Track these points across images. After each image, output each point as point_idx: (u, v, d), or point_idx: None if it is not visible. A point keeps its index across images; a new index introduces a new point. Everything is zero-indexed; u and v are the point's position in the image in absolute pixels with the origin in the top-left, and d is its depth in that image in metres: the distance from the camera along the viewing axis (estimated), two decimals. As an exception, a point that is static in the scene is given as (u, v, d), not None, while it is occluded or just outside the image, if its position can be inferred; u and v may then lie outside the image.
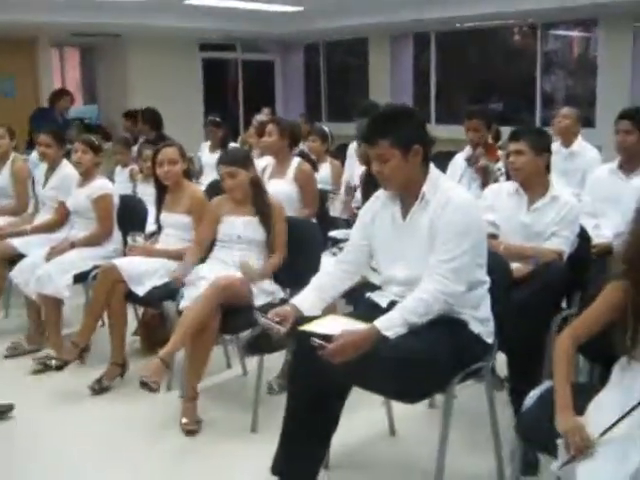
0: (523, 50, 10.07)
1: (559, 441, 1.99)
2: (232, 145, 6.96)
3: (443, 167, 4.59)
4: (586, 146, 5.34)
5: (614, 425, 1.91)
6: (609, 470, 1.85)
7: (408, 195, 2.64)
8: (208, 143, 7.03)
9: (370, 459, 3.09)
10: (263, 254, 3.64)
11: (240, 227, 3.62)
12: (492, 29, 9.74)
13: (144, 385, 3.17)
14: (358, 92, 10.62)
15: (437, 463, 2.55)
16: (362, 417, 3.26)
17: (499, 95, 10.10)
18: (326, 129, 6.13)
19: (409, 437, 3.25)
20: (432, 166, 2.66)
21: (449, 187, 2.63)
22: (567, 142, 5.35)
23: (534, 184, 3.42)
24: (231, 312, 3.33)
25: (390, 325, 2.43)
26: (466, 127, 4.92)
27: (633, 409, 1.93)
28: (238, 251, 3.61)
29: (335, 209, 5.25)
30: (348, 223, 4.60)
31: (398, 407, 3.15)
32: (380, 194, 2.76)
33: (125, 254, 4.09)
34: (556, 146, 5.39)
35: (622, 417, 1.93)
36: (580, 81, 9.71)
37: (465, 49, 10.51)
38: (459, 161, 4.73)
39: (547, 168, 3.44)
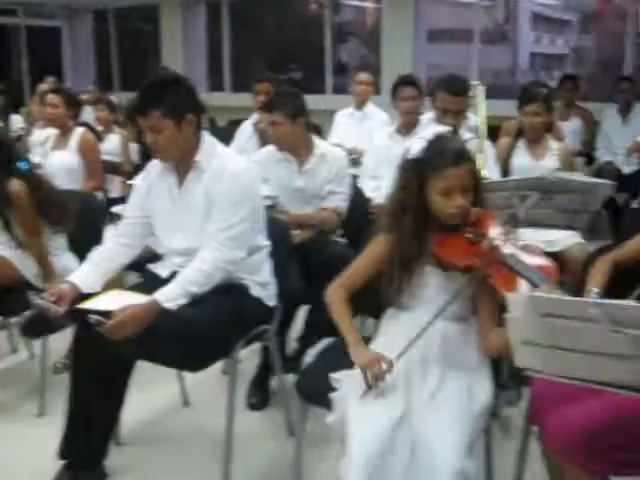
0: (318, 19, 10.25)
1: (334, 394, 2.08)
2: (14, 117, 6.61)
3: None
4: (375, 109, 5.66)
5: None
6: (378, 416, 1.95)
7: (183, 165, 2.61)
8: (-14, 114, 6.57)
9: (163, 432, 3.07)
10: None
11: None
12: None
13: None
14: (152, 61, 10.32)
15: (226, 427, 2.58)
16: (156, 391, 3.24)
17: (298, 64, 10.24)
18: (114, 99, 5.95)
19: (202, 406, 3.25)
20: (207, 135, 2.65)
21: (225, 155, 2.65)
22: (361, 105, 5.65)
23: (298, 148, 3.48)
24: (5, 293, 3.13)
25: (171, 297, 2.42)
26: (256, 91, 4.95)
27: (399, 356, 2.05)
28: None
29: (115, 189, 5.12)
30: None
31: (191, 377, 3.14)
32: (155, 164, 2.71)
33: None
34: (350, 109, 5.72)
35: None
36: (373, 50, 10.08)
37: (261, 17, 10.51)
38: (248, 127, 4.74)
39: (307, 127, 3.50)
